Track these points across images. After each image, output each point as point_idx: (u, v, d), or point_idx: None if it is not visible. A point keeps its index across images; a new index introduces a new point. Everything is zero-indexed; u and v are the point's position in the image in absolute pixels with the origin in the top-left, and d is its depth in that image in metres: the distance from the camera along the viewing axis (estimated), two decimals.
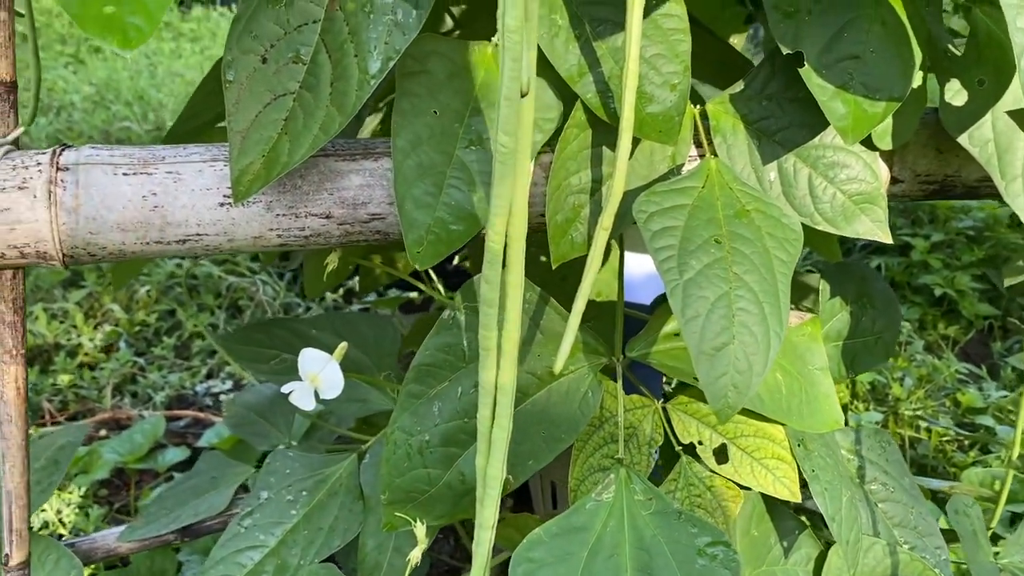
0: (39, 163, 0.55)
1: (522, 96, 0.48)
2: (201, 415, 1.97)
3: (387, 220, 0.60)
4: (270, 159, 0.55)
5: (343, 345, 0.67)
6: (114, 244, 0.57)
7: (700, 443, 0.72)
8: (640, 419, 0.71)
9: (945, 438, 1.98)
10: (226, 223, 0.58)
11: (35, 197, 0.55)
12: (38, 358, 2.13)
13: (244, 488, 0.99)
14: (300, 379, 0.66)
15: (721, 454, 0.72)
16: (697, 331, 0.53)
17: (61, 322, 2.19)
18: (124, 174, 0.56)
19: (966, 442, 2.00)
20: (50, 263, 0.57)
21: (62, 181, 0.55)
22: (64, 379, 2.03)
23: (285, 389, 0.65)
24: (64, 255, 0.56)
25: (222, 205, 0.57)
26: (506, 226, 0.51)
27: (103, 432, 1.93)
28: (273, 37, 0.55)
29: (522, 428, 0.64)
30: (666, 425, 0.71)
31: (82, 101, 3.15)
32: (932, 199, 0.69)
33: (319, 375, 0.65)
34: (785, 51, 0.56)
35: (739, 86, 0.62)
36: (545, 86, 0.60)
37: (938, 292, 2.34)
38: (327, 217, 0.59)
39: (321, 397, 0.66)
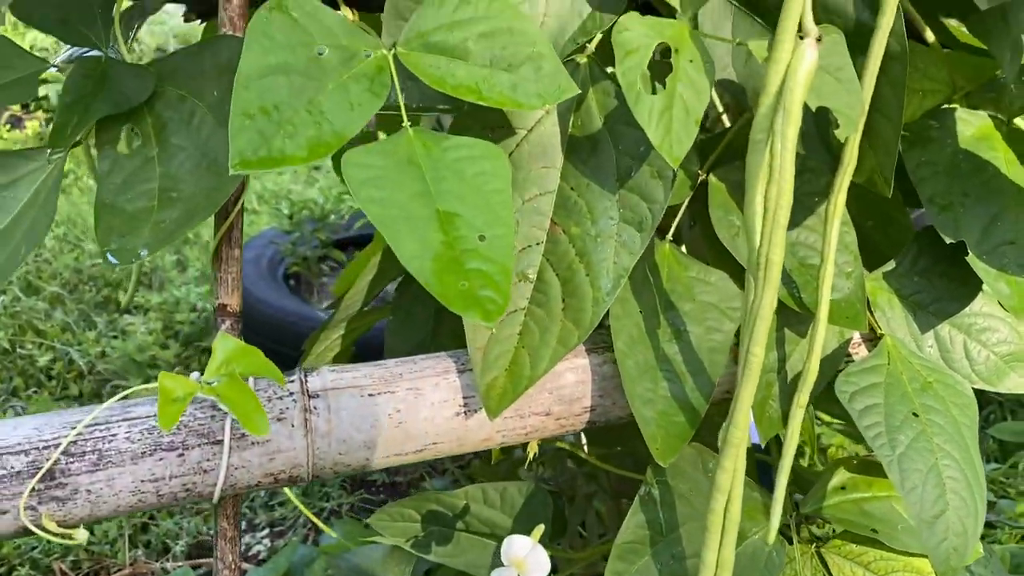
0: (291, 392, 0.58)
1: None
2: None
3: (597, 411, 0.65)
4: (513, 373, 0.59)
5: (540, 528, 0.70)
6: (358, 461, 0.60)
7: None
8: (803, 565, 0.76)
9: None
10: (460, 431, 0.62)
11: (293, 426, 0.58)
12: None
13: None
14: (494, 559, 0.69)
15: None
16: (917, 502, 0.58)
17: None
18: (370, 395, 0.60)
19: None
20: (298, 483, 0.59)
21: (315, 408, 0.58)
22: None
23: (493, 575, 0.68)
24: (313, 475, 0.59)
25: (457, 415, 0.61)
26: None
27: None
28: None
29: None
30: (823, 568, 0.76)
31: (50, 240, 3.11)
32: None
33: (525, 560, 0.68)
34: (948, 240, 0.64)
35: (891, 264, 0.69)
36: (727, 278, 0.66)
37: None
38: (547, 415, 0.64)
39: None
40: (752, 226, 0.53)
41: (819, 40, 0.50)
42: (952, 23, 0.86)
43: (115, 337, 2.68)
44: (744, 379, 0.55)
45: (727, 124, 0.78)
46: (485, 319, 0.44)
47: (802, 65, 0.49)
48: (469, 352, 0.60)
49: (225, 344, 0.52)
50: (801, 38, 0.51)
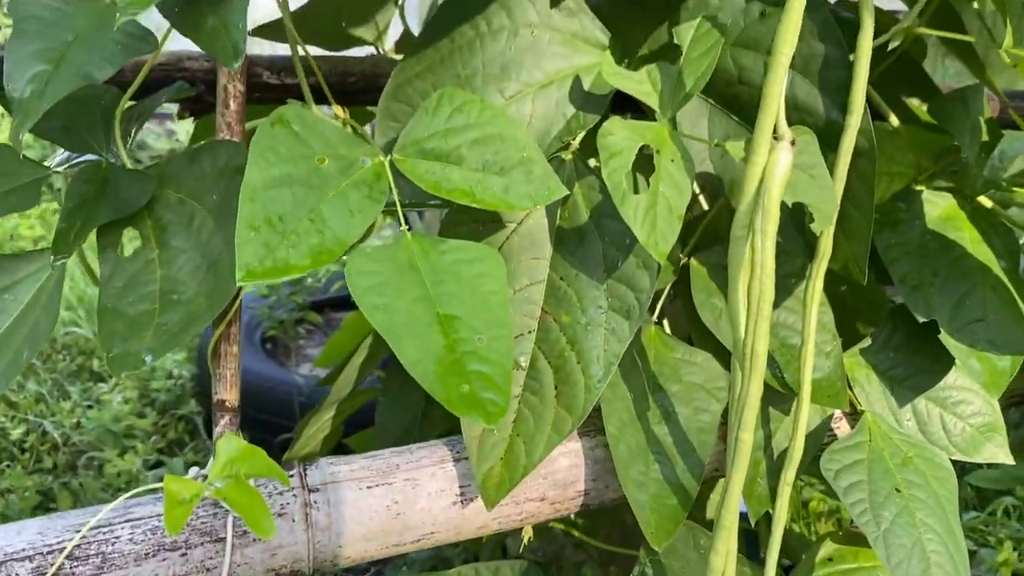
0: (292, 487, 0.59)
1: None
2: None
3: (591, 495, 0.66)
4: (509, 461, 0.61)
5: None
6: (358, 552, 0.61)
7: None
8: None
9: None
10: (457, 520, 0.63)
11: (294, 521, 0.58)
12: None
13: None
14: None
15: None
16: None
17: None
18: (368, 487, 0.61)
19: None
20: None
21: (315, 502, 0.59)
22: None
23: None
24: (313, 569, 0.60)
25: (454, 504, 0.62)
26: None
27: None
28: None
29: None
30: None
31: None
32: (1009, 404, 0.80)
33: None
34: (920, 319, 0.67)
35: (867, 341, 0.72)
36: (712, 358, 0.68)
37: None
38: (541, 500, 0.65)
39: None
40: (737, 318, 0.55)
41: (793, 143, 0.53)
42: (914, 102, 0.91)
43: (90, 407, 2.65)
44: (734, 464, 0.57)
45: (704, 206, 0.81)
46: (487, 421, 0.46)
47: (778, 167, 0.52)
48: (464, 441, 0.61)
49: (228, 445, 0.54)
50: (776, 139, 0.54)
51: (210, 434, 2.59)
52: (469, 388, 0.47)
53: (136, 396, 2.66)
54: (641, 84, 0.60)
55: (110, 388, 2.69)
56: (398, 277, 0.50)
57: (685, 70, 0.59)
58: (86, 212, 0.59)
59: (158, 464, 2.40)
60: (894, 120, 0.76)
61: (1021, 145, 0.94)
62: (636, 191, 0.56)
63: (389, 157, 0.56)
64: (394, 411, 0.85)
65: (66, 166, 0.66)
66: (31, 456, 2.46)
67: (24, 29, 0.47)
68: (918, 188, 0.73)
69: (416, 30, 0.92)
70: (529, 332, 0.63)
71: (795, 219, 0.65)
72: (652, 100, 0.59)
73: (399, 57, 0.81)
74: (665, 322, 0.76)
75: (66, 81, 0.46)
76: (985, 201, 0.75)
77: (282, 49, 0.75)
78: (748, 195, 0.54)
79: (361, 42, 0.79)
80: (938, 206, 0.71)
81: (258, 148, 0.51)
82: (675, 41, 0.60)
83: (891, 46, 0.75)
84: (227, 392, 0.62)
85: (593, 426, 0.67)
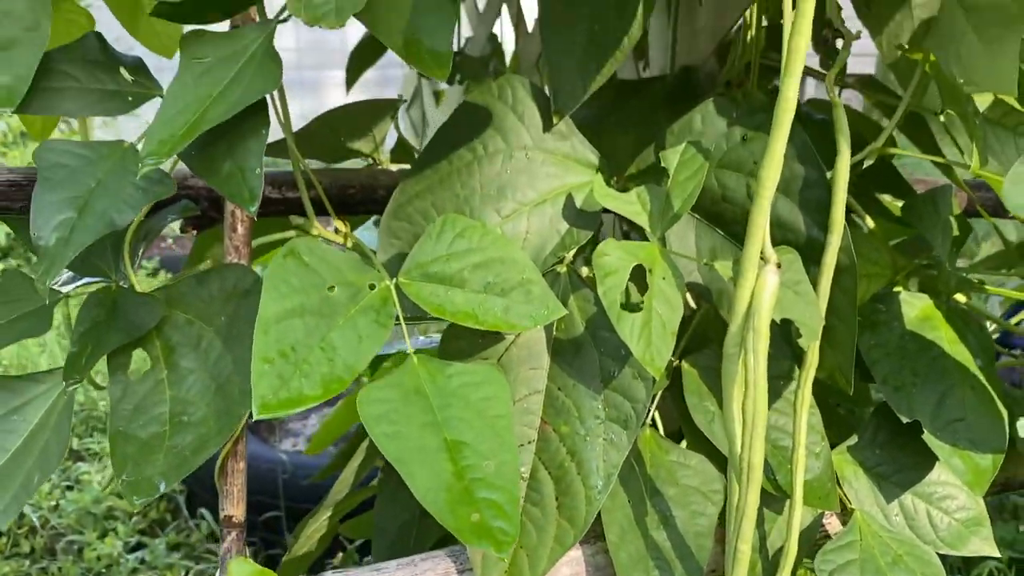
0: None
1: None
2: None
3: None
4: (513, 575, 0.62)
5: None
6: None
7: None
8: None
9: None
10: None
11: None
12: None
13: None
14: None
15: None
16: None
17: None
18: None
19: None
20: None
21: None
22: None
23: None
24: None
25: None
26: None
27: None
28: None
29: None
30: None
31: None
32: (991, 495, 0.83)
33: None
34: (904, 420, 0.69)
35: (854, 439, 0.74)
36: (706, 461, 0.70)
37: None
38: None
39: None
40: (732, 432, 0.57)
41: (779, 265, 0.56)
42: (886, 198, 0.95)
43: (69, 488, 2.61)
44: (734, 574, 0.58)
45: (692, 305, 0.84)
46: (497, 550, 0.47)
47: (766, 290, 0.55)
48: (468, 553, 0.62)
49: (240, 570, 0.55)
50: (763, 260, 0.57)
51: (192, 512, 2.55)
52: (479, 517, 0.48)
53: None
54: (631, 205, 0.63)
55: (91, 470, 2.65)
56: (405, 403, 0.52)
57: (673, 192, 0.62)
58: (97, 336, 0.60)
59: (139, 546, 2.37)
60: (869, 222, 0.80)
61: (989, 231, 0.98)
62: (629, 299, 0.59)
63: (395, 280, 0.58)
64: (391, 510, 0.85)
65: (74, 286, 0.67)
66: (8, 541, 2.42)
67: (49, 178, 0.49)
68: (896, 290, 0.76)
69: (407, 135, 0.96)
70: (529, 442, 0.64)
71: (782, 328, 0.68)
72: (642, 220, 0.62)
73: (394, 167, 0.84)
74: (657, 416, 0.78)
75: (90, 228, 0.48)
76: (960, 298, 0.79)
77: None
78: (739, 315, 0.56)
79: (358, 154, 0.82)
80: (915, 307, 0.74)
81: (271, 281, 0.53)
82: (663, 164, 0.64)
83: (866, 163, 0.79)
84: (234, 508, 0.63)
85: (593, 532, 0.69)
